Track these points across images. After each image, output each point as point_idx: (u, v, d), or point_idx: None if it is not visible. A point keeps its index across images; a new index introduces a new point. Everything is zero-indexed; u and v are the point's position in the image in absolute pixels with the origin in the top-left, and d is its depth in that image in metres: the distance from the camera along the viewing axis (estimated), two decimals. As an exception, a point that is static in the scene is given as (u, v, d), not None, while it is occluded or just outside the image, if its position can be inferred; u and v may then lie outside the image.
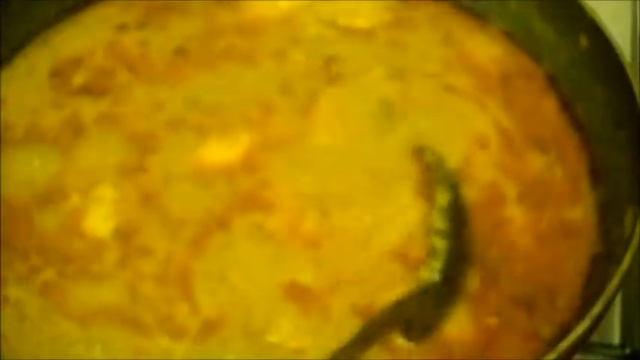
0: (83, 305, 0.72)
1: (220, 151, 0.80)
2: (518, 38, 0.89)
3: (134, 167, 0.80)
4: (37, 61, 0.89)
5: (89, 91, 0.85)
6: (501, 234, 0.76)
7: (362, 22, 0.90)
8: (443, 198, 0.76)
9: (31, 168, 0.80)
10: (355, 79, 0.85)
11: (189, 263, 0.74)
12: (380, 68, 0.86)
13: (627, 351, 0.80)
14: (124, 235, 0.76)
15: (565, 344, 0.63)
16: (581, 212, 0.77)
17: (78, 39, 0.90)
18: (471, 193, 0.77)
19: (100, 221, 0.77)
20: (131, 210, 0.77)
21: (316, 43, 0.88)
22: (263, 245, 0.75)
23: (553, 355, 0.63)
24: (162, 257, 0.74)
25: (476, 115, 0.82)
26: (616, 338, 0.81)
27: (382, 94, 0.84)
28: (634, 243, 0.68)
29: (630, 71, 0.77)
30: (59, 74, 0.87)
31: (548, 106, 0.84)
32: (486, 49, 0.88)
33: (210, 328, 0.71)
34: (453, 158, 0.79)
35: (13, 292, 0.73)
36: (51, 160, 0.81)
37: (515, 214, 0.77)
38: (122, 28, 0.91)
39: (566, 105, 0.84)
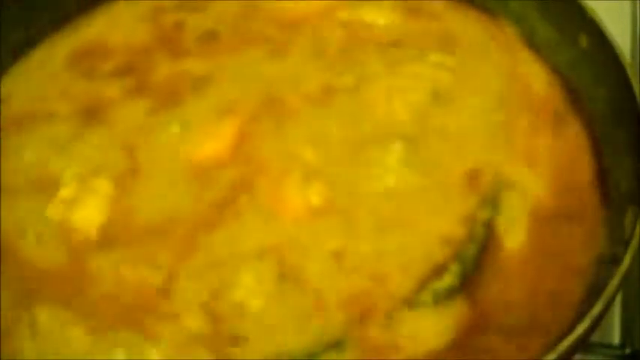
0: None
1: (212, 139, 0.81)
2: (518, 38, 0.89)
3: (128, 159, 0.80)
4: (57, 48, 0.90)
5: (118, 73, 0.87)
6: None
7: (383, 21, 0.90)
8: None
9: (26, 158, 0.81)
10: (376, 80, 0.84)
11: (179, 260, 0.74)
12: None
13: (627, 351, 0.80)
14: (113, 231, 0.76)
15: (565, 344, 0.63)
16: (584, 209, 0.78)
17: (107, 25, 0.92)
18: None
19: (91, 215, 0.77)
20: (122, 205, 0.77)
21: (342, 42, 0.88)
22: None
23: (553, 355, 0.63)
24: (152, 252, 0.75)
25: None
26: (616, 338, 0.81)
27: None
28: (634, 243, 0.68)
29: (630, 71, 0.77)
30: (84, 60, 0.89)
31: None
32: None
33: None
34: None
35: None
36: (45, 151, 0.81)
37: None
38: (158, 10, 0.92)
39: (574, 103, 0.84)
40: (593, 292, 0.69)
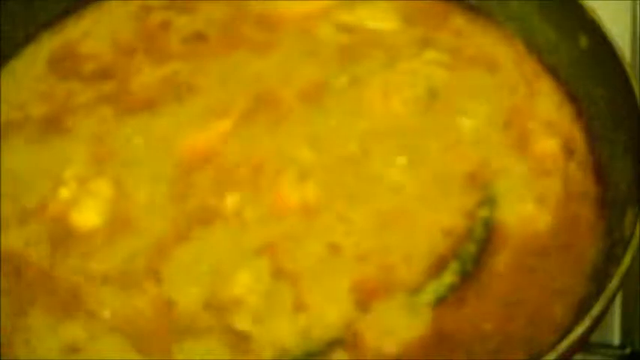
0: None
1: (202, 141, 0.81)
2: (518, 38, 0.89)
3: (107, 159, 0.80)
4: (43, 48, 0.89)
5: (98, 75, 0.86)
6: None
7: (380, 24, 0.89)
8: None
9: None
10: (372, 77, 0.85)
11: (172, 263, 0.74)
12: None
13: (627, 351, 0.80)
14: (112, 227, 0.76)
15: (565, 344, 0.63)
16: (582, 211, 0.78)
17: (93, 23, 0.91)
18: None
19: (89, 215, 0.77)
20: (117, 207, 0.77)
21: (331, 44, 0.88)
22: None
23: (553, 355, 0.63)
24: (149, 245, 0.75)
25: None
26: (616, 338, 0.82)
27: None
28: (634, 243, 0.68)
29: (630, 71, 0.77)
30: (65, 61, 0.88)
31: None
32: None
33: None
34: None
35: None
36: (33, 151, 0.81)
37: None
38: (146, 9, 0.91)
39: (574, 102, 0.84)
40: (594, 292, 0.69)
